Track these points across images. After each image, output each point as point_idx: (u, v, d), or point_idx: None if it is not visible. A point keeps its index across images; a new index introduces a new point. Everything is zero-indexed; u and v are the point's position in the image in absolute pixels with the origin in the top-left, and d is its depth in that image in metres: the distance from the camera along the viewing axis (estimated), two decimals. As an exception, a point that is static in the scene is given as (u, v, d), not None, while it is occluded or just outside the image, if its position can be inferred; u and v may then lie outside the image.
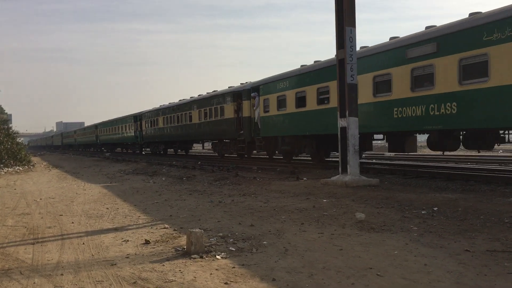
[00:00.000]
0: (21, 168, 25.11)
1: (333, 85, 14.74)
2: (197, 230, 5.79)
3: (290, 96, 18.64)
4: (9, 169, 24.01)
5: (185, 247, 5.79)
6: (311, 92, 17.13)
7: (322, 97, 16.52)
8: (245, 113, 22.95)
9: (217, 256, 5.45)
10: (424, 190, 10.30)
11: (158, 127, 36.52)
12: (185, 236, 6.08)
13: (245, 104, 22.99)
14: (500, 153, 32.46)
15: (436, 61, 11.89)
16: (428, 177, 12.93)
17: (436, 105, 11.91)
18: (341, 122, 12.01)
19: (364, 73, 13.97)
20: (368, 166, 16.23)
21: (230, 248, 5.87)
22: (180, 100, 33.90)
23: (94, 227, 7.74)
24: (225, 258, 5.42)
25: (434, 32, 12.21)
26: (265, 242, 6.13)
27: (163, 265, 5.21)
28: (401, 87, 13.02)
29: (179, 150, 36.66)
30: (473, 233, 6.26)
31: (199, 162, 23.81)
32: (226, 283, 4.52)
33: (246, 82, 24.76)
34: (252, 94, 22.17)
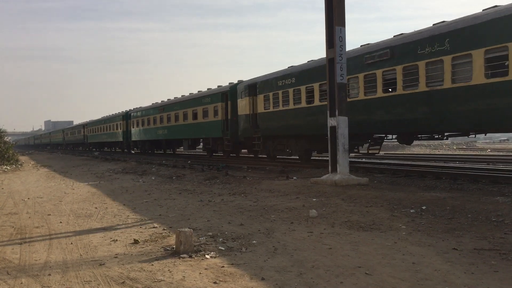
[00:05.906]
0: (8, 168, 24.84)
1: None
2: (186, 229, 5.77)
3: None
4: (-3, 168, 23.75)
5: (174, 246, 5.77)
6: None
7: None
8: None
9: (207, 256, 5.44)
10: (413, 189, 10.37)
11: (300, 105, 17.39)
12: (174, 236, 6.05)
13: None
14: (488, 152, 32.83)
15: None
16: (417, 176, 13.01)
17: None
18: (331, 122, 12.04)
19: None
20: (358, 165, 16.30)
21: (220, 247, 5.86)
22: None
23: (82, 227, 7.68)
24: (215, 257, 5.41)
25: None
26: (254, 241, 6.13)
27: (152, 264, 5.18)
28: None
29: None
30: (460, 231, 6.32)
31: (189, 161, 23.72)
32: (215, 283, 4.51)
33: None
34: None
